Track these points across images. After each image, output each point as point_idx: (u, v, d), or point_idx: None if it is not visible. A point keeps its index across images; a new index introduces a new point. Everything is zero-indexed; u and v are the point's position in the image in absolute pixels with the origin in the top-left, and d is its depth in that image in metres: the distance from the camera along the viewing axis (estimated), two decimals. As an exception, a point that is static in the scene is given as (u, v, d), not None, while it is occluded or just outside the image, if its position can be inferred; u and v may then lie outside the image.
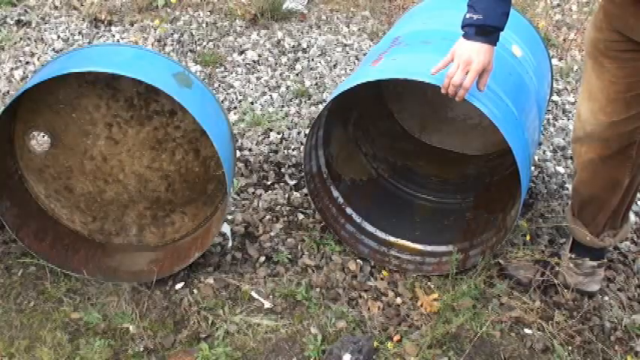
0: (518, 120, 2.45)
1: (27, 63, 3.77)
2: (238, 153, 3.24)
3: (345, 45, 4.23)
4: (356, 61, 4.07)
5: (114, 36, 4.08)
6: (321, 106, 3.56)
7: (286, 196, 3.04)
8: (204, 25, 4.26)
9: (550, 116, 3.75)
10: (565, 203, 3.06)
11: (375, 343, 2.35)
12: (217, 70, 3.89)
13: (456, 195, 3.07)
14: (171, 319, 2.44)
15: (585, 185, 2.41)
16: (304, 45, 4.17)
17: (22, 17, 4.13)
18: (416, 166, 3.19)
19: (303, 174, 2.79)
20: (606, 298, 2.66)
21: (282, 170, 3.20)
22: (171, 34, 4.13)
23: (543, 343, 2.41)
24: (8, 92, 3.51)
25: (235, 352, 2.32)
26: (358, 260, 2.76)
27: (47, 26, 4.10)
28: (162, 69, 2.41)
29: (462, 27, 2.12)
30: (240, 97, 3.68)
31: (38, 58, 3.80)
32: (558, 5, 4.82)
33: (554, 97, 3.88)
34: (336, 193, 2.89)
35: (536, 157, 3.39)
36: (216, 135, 2.33)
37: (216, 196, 2.65)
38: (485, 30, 2.08)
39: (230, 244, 2.74)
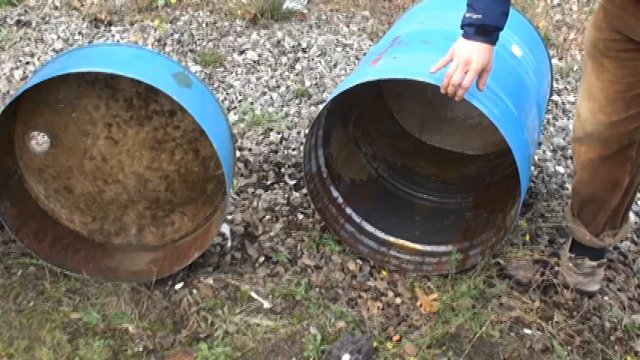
0: (517, 120, 2.45)
1: (27, 63, 3.77)
2: (238, 153, 3.24)
3: (345, 45, 4.23)
4: (356, 61, 4.07)
5: (114, 36, 4.09)
6: (321, 106, 3.56)
7: (286, 196, 3.04)
8: (204, 25, 4.27)
9: (550, 116, 3.75)
10: (565, 203, 3.06)
11: (375, 343, 2.35)
12: (217, 70, 3.89)
13: (456, 195, 3.07)
14: (170, 319, 2.44)
15: (585, 185, 2.40)
16: (304, 45, 4.17)
17: (22, 17, 4.14)
18: (416, 166, 3.19)
19: (302, 174, 2.79)
20: (606, 298, 2.66)
21: (282, 170, 3.20)
22: (171, 34, 4.13)
23: (543, 343, 2.41)
24: (8, 92, 3.51)
25: (235, 352, 2.32)
26: (358, 260, 2.76)
27: (47, 26, 4.10)
28: (161, 69, 2.41)
29: (462, 26, 2.11)
30: (240, 97, 3.68)
31: (38, 58, 3.81)
32: (558, 5, 4.81)
33: (554, 97, 3.88)
34: (335, 193, 2.89)
35: (536, 157, 3.38)
36: (216, 135, 2.33)
37: (216, 196, 2.65)
38: (484, 30, 2.07)
39: (229, 244, 2.74)
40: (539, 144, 3.49)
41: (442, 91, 2.17)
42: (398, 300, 2.59)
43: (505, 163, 2.93)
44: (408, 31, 2.80)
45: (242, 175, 3.14)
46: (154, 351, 2.32)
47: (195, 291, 2.54)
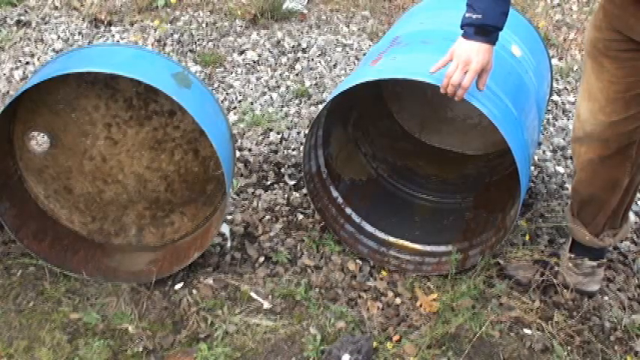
0: (517, 120, 2.45)
1: (27, 63, 3.77)
2: (238, 153, 3.24)
3: (345, 45, 4.23)
4: (356, 61, 4.07)
5: (114, 36, 4.09)
6: (320, 106, 3.56)
7: (286, 196, 3.03)
8: (204, 25, 4.26)
9: (550, 116, 3.75)
10: (565, 203, 3.06)
11: (375, 344, 2.35)
12: (217, 70, 3.89)
13: (456, 195, 3.07)
14: (170, 320, 2.44)
15: (585, 185, 2.40)
16: (304, 45, 4.17)
17: (22, 17, 4.14)
18: (416, 166, 3.19)
19: (302, 174, 2.79)
20: (606, 298, 2.66)
21: (282, 170, 3.20)
22: (171, 34, 4.13)
23: (543, 343, 2.41)
24: (8, 92, 3.51)
25: (234, 352, 2.31)
26: (357, 260, 2.76)
27: (47, 26, 4.10)
28: (161, 69, 2.41)
29: (461, 26, 2.11)
30: (239, 97, 3.68)
31: (38, 58, 3.81)
32: (558, 5, 4.81)
33: (554, 97, 3.88)
34: (335, 193, 2.89)
35: (536, 157, 3.38)
36: (215, 135, 2.33)
37: (216, 196, 2.65)
38: (484, 29, 2.07)
39: (229, 244, 2.74)
40: (539, 144, 3.49)
41: (442, 91, 2.17)
42: (398, 300, 2.59)
43: (505, 163, 2.93)
44: (407, 31, 2.80)
45: (242, 175, 3.14)
46: (153, 351, 2.32)
47: (195, 291, 2.54)
